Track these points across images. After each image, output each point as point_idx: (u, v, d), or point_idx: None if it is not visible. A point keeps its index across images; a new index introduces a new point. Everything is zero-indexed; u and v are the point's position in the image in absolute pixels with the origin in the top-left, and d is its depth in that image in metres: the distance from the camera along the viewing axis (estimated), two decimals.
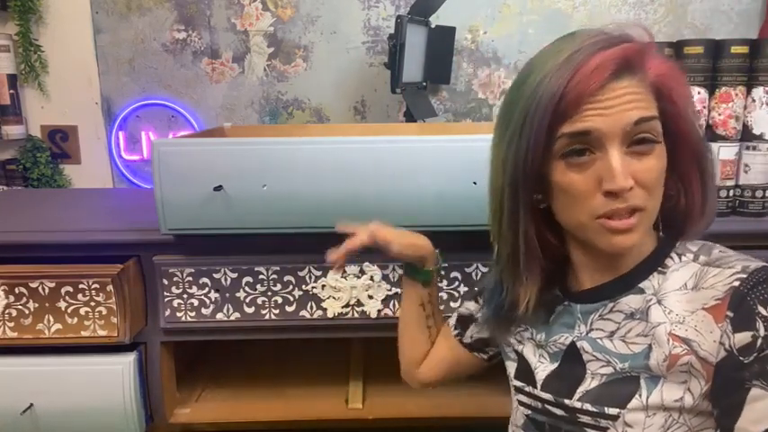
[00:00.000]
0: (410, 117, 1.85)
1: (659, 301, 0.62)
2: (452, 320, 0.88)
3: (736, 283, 0.58)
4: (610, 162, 0.57)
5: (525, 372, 0.73)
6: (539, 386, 0.70)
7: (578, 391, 0.65)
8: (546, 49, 0.62)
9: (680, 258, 0.64)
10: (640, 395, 0.61)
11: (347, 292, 1.04)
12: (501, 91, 2.10)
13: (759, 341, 0.55)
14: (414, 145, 0.97)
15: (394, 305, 1.05)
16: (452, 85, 2.09)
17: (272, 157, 0.97)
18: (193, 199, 0.98)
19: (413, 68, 1.83)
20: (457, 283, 1.03)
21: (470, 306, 0.86)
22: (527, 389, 0.72)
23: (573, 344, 0.67)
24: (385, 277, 1.03)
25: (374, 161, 0.97)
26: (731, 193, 1.10)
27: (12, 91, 2.00)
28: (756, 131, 1.07)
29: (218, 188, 0.97)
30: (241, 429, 1.16)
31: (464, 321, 0.86)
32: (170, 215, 0.99)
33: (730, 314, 0.57)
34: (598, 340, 0.65)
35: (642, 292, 0.64)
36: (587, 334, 0.66)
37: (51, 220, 1.16)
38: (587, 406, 0.64)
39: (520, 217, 0.64)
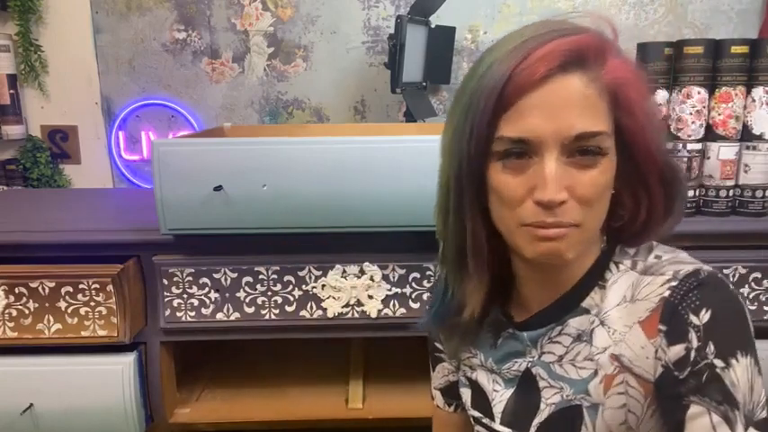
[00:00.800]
0: (410, 117, 1.85)
1: (602, 322, 0.59)
2: (438, 399, 0.82)
3: (667, 293, 0.54)
4: (543, 170, 0.52)
5: (482, 401, 0.70)
6: (497, 419, 0.67)
7: (534, 423, 0.63)
8: (506, 35, 0.57)
9: (617, 267, 0.60)
10: (586, 426, 0.58)
11: (347, 292, 1.04)
12: None
13: (692, 354, 0.51)
14: (414, 145, 0.97)
15: (394, 305, 1.05)
16: (452, 85, 2.09)
17: (272, 157, 0.97)
18: (193, 199, 0.98)
19: (413, 68, 1.83)
20: None
21: (441, 371, 0.80)
22: (484, 420, 0.69)
23: (528, 370, 0.64)
24: (385, 277, 1.03)
25: (374, 161, 0.97)
26: (731, 192, 1.10)
27: (12, 91, 1.99)
28: (756, 131, 1.07)
29: (218, 188, 0.97)
30: (241, 429, 1.16)
31: (448, 389, 0.80)
32: (170, 215, 0.99)
33: (663, 328, 0.54)
34: (551, 365, 0.62)
35: (587, 311, 0.60)
36: (540, 358, 0.63)
37: (51, 220, 1.16)
38: None
39: (466, 212, 0.59)
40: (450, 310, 0.67)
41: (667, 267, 0.57)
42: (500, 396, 0.67)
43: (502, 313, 0.67)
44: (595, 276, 0.60)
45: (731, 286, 0.55)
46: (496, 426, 0.67)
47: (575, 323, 0.61)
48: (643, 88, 0.56)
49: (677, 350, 0.52)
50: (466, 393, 0.73)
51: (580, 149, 0.53)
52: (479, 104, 0.54)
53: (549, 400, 0.62)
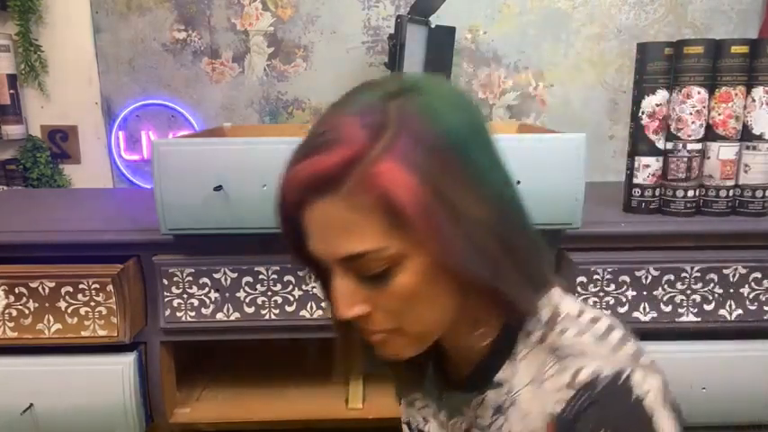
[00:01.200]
0: None
1: (513, 402, 0.53)
2: None
3: (559, 408, 0.48)
4: (333, 287, 0.49)
5: None
6: None
7: None
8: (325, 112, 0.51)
9: (528, 338, 0.53)
10: None
11: None
12: (501, 91, 2.10)
13: None
14: None
15: None
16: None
17: (272, 157, 0.97)
18: (193, 199, 0.98)
19: (413, 68, 1.83)
20: None
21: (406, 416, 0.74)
22: None
23: (468, 429, 0.60)
24: None
25: None
26: (731, 192, 1.10)
27: (12, 91, 1.99)
28: (756, 131, 1.07)
29: (218, 188, 0.97)
30: (241, 429, 1.16)
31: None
32: (170, 215, 0.99)
33: None
34: (485, 428, 0.57)
35: (500, 385, 0.54)
36: (477, 419, 0.58)
37: (51, 220, 1.16)
38: None
39: None
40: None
41: (570, 361, 0.49)
42: None
43: (441, 370, 0.63)
44: (504, 349, 0.54)
45: (634, 391, 0.46)
46: None
47: (492, 395, 0.55)
48: (409, 182, 0.44)
49: None
50: None
51: (363, 276, 0.48)
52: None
53: None
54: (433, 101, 0.48)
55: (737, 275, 1.04)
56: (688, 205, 1.11)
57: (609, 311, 1.05)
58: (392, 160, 0.45)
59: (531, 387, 0.51)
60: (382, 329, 0.50)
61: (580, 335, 0.50)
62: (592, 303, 1.05)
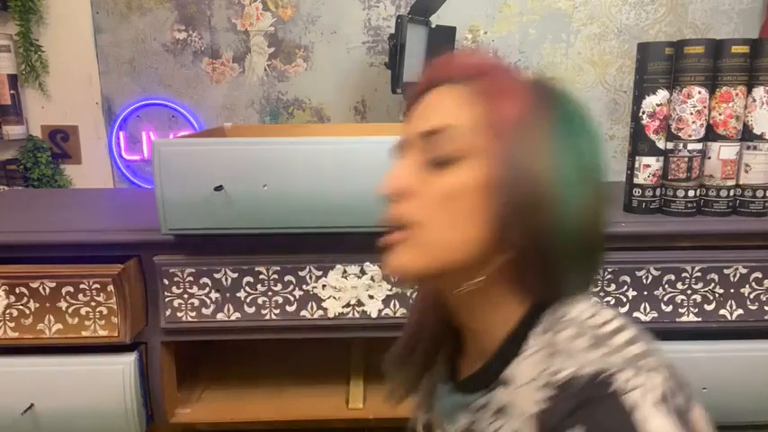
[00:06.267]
0: None
1: (513, 402, 0.51)
2: None
3: (538, 408, 0.47)
4: (391, 169, 0.52)
5: None
6: None
7: None
8: None
9: (534, 339, 0.52)
10: None
11: (348, 292, 1.04)
12: None
13: None
14: None
15: (395, 305, 1.04)
16: None
17: (272, 157, 0.97)
18: (194, 199, 0.98)
19: (413, 68, 1.83)
20: None
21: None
22: None
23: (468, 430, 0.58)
24: (385, 277, 1.03)
25: (374, 161, 0.97)
26: (732, 192, 1.10)
27: (12, 91, 1.99)
28: (757, 131, 1.07)
29: (219, 188, 0.97)
30: (241, 429, 1.16)
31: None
32: (170, 215, 0.99)
33: None
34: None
35: (506, 384, 0.53)
36: (474, 423, 0.57)
37: (52, 221, 1.16)
38: None
39: None
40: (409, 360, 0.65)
41: (555, 362, 0.48)
42: None
43: (451, 365, 0.63)
44: (515, 344, 0.53)
45: (613, 388, 0.44)
46: None
47: (499, 395, 0.53)
48: (518, 109, 0.50)
49: None
50: None
51: (433, 158, 0.51)
52: None
53: None
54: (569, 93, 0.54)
55: (738, 275, 1.04)
56: (689, 205, 1.11)
57: None
58: (519, 85, 0.51)
59: (528, 387, 0.50)
60: (408, 221, 0.50)
61: (577, 337, 0.49)
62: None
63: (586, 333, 0.49)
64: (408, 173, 0.51)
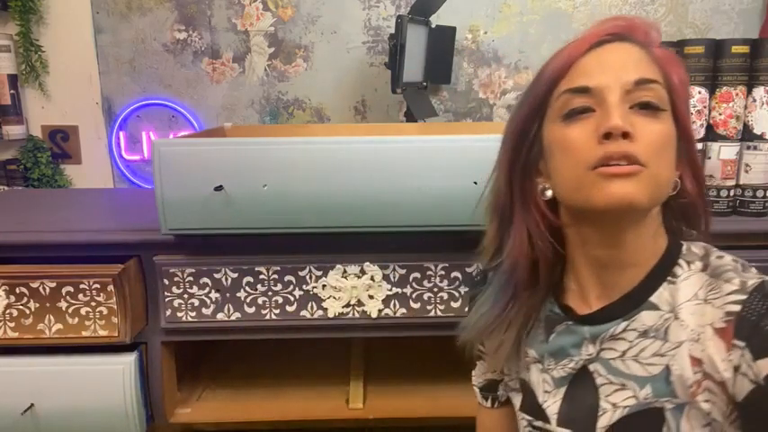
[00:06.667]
0: (411, 117, 1.85)
1: (676, 317, 0.58)
2: (479, 396, 0.82)
3: (737, 308, 0.54)
4: (608, 107, 0.56)
5: (532, 404, 0.68)
6: (553, 422, 0.65)
7: (599, 426, 0.61)
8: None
9: (689, 266, 0.60)
10: (669, 429, 0.57)
11: (348, 292, 1.04)
12: (501, 91, 2.10)
13: None
14: (414, 145, 0.97)
15: (395, 305, 1.05)
16: (453, 85, 2.09)
17: (272, 157, 0.97)
18: (194, 199, 0.98)
19: (413, 68, 1.83)
20: (457, 282, 1.03)
21: (481, 368, 0.80)
22: (537, 423, 0.68)
23: (585, 367, 0.63)
24: (385, 277, 1.03)
25: (374, 161, 0.97)
26: (732, 192, 1.10)
27: (12, 91, 2.00)
28: (757, 131, 1.07)
29: (219, 188, 0.97)
30: (241, 429, 1.16)
31: (489, 384, 0.80)
32: (170, 215, 0.99)
33: (741, 343, 0.52)
34: (611, 361, 0.61)
35: (656, 308, 0.60)
36: (598, 355, 0.62)
37: (52, 220, 1.16)
38: None
39: (529, 198, 0.64)
40: (499, 318, 0.67)
41: (732, 275, 0.57)
42: (552, 396, 0.66)
43: (559, 307, 0.67)
44: (664, 271, 0.60)
45: None
46: (553, 427, 0.65)
47: (642, 318, 0.60)
48: (686, 76, 0.61)
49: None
50: (516, 398, 0.72)
51: (640, 104, 0.57)
52: (542, 76, 0.61)
53: (611, 398, 0.61)
54: None
55: None
56: None
57: None
58: (669, 51, 0.61)
59: (693, 302, 0.58)
60: (638, 160, 0.55)
61: (726, 263, 0.59)
62: None
63: (730, 261, 0.59)
64: (624, 115, 0.56)
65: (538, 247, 0.64)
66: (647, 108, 0.57)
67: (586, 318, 0.64)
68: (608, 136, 0.55)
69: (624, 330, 0.61)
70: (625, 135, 0.55)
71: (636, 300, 0.61)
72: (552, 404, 0.66)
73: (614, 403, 0.60)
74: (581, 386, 0.63)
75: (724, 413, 0.55)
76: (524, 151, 0.63)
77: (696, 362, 0.56)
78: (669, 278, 0.60)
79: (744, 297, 0.54)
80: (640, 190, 0.55)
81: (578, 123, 0.58)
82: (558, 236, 0.65)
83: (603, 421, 0.61)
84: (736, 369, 0.52)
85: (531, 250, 0.64)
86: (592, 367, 0.63)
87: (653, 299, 0.60)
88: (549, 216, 0.63)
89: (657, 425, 0.57)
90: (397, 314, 1.05)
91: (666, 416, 0.57)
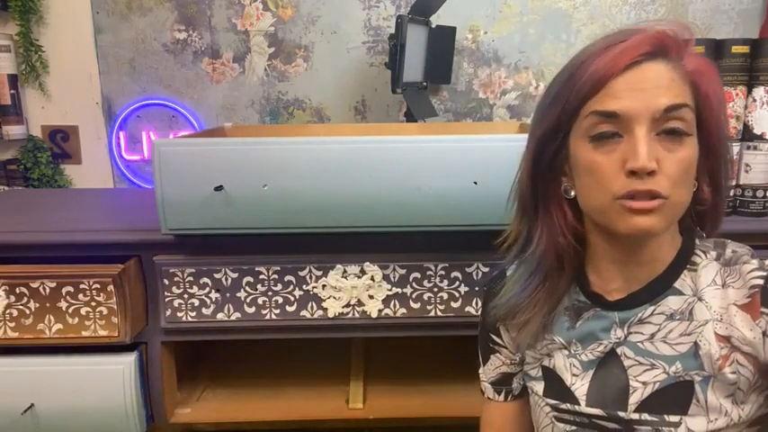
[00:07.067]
0: (411, 117, 1.86)
1: (700, 299, 0.63)
2: (490, 392, 0.83)
3: (761, 281, 0.59)
4: (635, 142, 0.58)
5: (558, 389, 0.70)
6: (582, 403, 0.68)
7: (631, 402, 0.64)
8: (594, 41, 0.64)
9: (705, 255, 0.65)
10: (698, 400, 0.61)
11: (348, 292, 1.04)
12: (501, 91, 2.10)
13: None
14: (414, 145, 0.97)
15: (395, 305, 1.05)
16: (453, 85, 2.10)
17: (272, 157, 0.97)
18: (194, 199, 0.98)
19: (413, 68, 1.83)
20: (457, 283, 1.03)
21: (495, 363, 0.81)
22: (563, 406, 0.70)
23: (612, 350, 0.66)
24: (385, 277, 1.03)
25: (374, 161, 0.97)
26: (732, 192, 1.10)
27: (12, 91, 2.00)
28: (757, 131, 1.07)
29: (219, 188, 0.97)
30: (241, 429, 1.16)
31: (502, 378, 0.81)
32: (170, 215, 0.99)
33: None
34: (639, 344, 0.65)
35: (680, 293, 0.64)
36: (626, 338, 0.66)
37: (52, 220, 1.17)
38: (645, 416, 0.63)
39: (551, 198, 0.67)
40: (529, 298, 0.70)
41: (748, 258, 0.63)
42: (580, 379, 0.68)
43: (585, 296, 0.70)
44: (684, 260, 0.65)
45: None
46: (583, 408, 0.68)
47: (668, 302, 0.64)
48: (719, 81, 0.62)
49: None
50: (538, 385, 0.73)
51: (667, 128, 0.58)
52: (572, 88, 0.61)
53: (640, 378, 0.64)
54: None
55: None
56: None
57: None
58: (701, 56, 0.62)
59: (714, 287, 0.63)
60: (660, 191, 0.57)
61: (738, 251, 0.64)
62: None
63: (746, 250, 0.65)
64: (650, 149, 0.57)
65: (559, 243, 0.67)
66: (672, 134, 0.59)
67: (615, 303, 0.67)
68: (634, 173, 0.57)
69: (652, 314, 0.65)
70: (650, 173, 0.57)
71: (661, 286, 0.65)
72: (581, 386, 0.68)
73: (644, 381, 0.64)
74: (609, 368, 0.67)
75: (749, 381, 0.60)
76: (549, 154, 0.65)
77: (722, 338, 0.61)
78: (689, 266, 0.65)
79: (765, 273, 0.60)
80: (661, 221, 0.59)
81: (606, 149, 0.60)
82: (580, 230, 0.69)
83: (635, 398, 0.64)
84: (765, 333, 0.58)
85: (555, 244, 0.68)
86: (619, 350, 0.66)
87: (677, 285, 0.65)
88: (571, 218, 0.68)
89: (688, 396, 0.62)
90: (397, 314, 1.05)
91: (696, 388, 0.62)
